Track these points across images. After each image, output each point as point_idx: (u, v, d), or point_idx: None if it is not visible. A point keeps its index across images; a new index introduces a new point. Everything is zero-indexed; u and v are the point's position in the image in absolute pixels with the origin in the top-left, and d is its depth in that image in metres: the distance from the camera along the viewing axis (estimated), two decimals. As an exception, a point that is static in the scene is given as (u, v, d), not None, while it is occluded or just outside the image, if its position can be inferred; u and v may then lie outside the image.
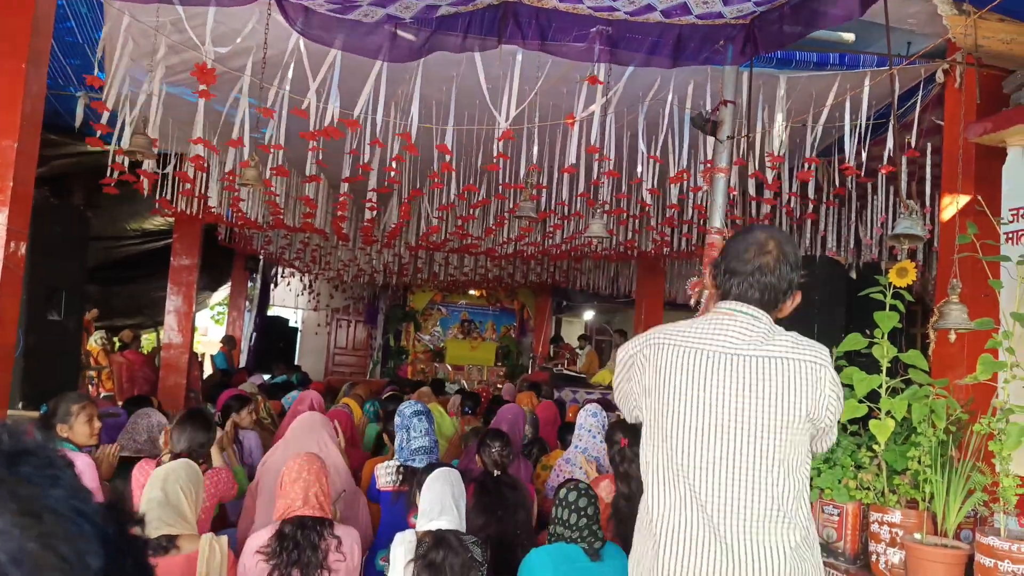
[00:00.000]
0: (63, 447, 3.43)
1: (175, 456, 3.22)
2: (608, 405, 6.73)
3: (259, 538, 2.83)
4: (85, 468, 3.27)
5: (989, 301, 2.87)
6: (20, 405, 4.35)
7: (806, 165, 4.62)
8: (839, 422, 2.76)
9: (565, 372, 10.60)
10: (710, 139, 4.13)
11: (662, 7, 3.43)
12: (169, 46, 4.08)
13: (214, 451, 3.69)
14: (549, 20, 3.51)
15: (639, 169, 4.80)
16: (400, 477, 3.73)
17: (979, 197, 3.08)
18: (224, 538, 2.76)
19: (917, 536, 2.31)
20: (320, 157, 4.50)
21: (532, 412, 5.77)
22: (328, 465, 3.16)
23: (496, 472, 3.68)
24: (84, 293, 6.30)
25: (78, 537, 0.49)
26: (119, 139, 4.48)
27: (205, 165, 5.27)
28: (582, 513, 2.96)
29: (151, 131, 4.23)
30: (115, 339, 10.24)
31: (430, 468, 3.22)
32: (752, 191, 4.97)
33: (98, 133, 4.19)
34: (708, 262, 3.65)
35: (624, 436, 3.70)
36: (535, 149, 4.73)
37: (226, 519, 3.99)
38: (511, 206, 6.11)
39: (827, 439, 1.99)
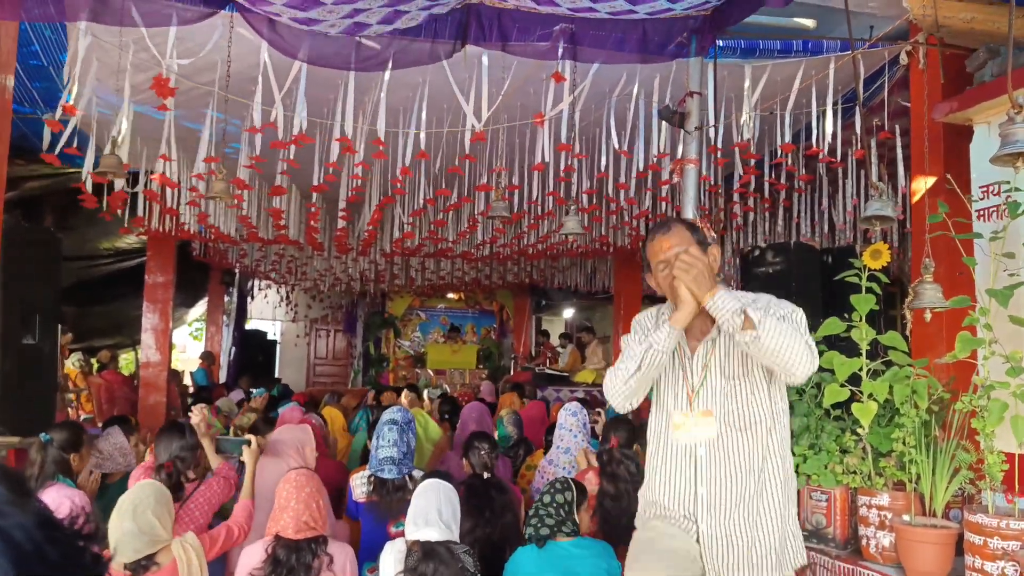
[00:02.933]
0: (62, 482, 3.40)
1: (159, 467, 3.27)
2: (589, 403, 6.73)
3: (253, 555, 2.81)
4: (80, 501, 3.24)
5: (964, 279, 2.90)
6: (-2, 430, 4.27)
7: (780, 152, 4.64)
8: (822, 407, 2.78)
9: (547, 371, 10.59)
10: (673, 132, 4.14)
11: (608, 9, 3.42)
12: (134, 64, 4.02)
13: (206, 443, 3.64)
14: (512, 21, 3.50)
15: (603, 162, 4.80)
16: (371, 487, 3.68)
17: (948, 176, 3.11)
18: (190, 534, 2.86)
19: (906, 518, 2.32)
20: (287, 168, 4.46)
21: (515, 413, 5.75)
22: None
23: (485, 474, 3.67)
24: (59, 315, 6.20)
25: None
26: (95, 163, 4.41)
27: (176, 181, 5.21)
28: (548, 503, 3.07)
29: (120, 150, 4.16)
30: (93, 360, 10.09)
31: (428, 476, 3.20)
32: (719, 180, 4.99)
33: (83, 158, 4.14)
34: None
35: (616, 436, 3.69)
36: (503, 150, 4.72)
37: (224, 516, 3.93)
38: (483, 208, 6.09)
39: None
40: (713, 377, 2.26)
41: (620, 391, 2.26)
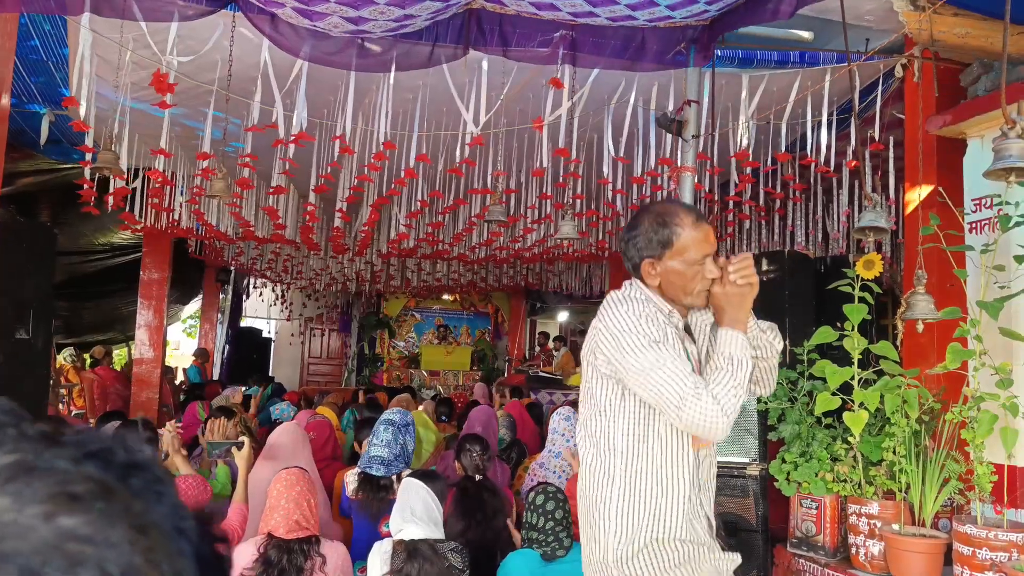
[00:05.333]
0: None
1: None
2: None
3: (244, 554, 2.81)
4: None
5: (955, 291, 2.93)
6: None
7: (775, 161, 4.68)
8: (813, 415, 2.80)
9: (541, 374, 10.61)
10: (670, 139, 4.17)
11: (607, 16, 3.45)
12: (134, 61, 4.03)
13: (179, 460, 3.64)
14: (513, 26, 3.52)
15: (605, 170, 4.83)
16: (359, 484, 3.69)
17: (941, 188, 3.14)
18: None
19: (895, 527, 2.35)
20: (288, 168, 4.47)
21: (509, 415, 5.76)
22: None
23: (477, 477, 3.68)
24: (53, 310, 6.20)
25: (177, 555, 0.49)
26: (94, 157, 4.42)
27: (170, 179, 5.22)
28: (548, 517, 3.00)
29: (118, 146, 4.18)
30: (86, 355, 10.07)
31: (412, 475, 3.20)
32: (714, 189, 5.02)
33: (87, 156, 4.15)
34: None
35: None
36: (501, 154, 4.74)
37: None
38: (480, 210, 6.12)
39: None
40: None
41: (730, 419, 1.79)
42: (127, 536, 0.45)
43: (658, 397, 1.79)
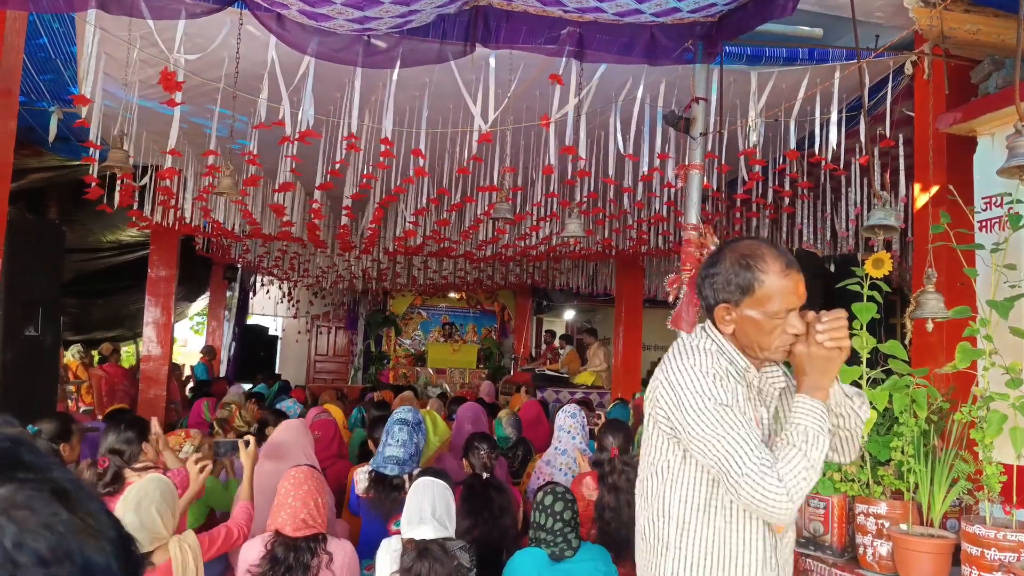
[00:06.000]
0: None
1: (92, 462, 3.31)
2: (587, 404, 6.75)
3: (252, 550, 2.81)
4: None
5: (965, 290, 2.91)
6: (-2, 423, 4.28)
7: (784, 159, 4.65)
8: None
9: (547, 372, 10.61)
10: (677, 137, 4.15)
11: (613, 12, 3.44)
12: (142, 59, 4.04)
13: (167, 454, 3.65)
14: (520, 23, 3.51)
15: (611, 168, 4.81)
16: (370, 483, 3.70)
17: (951, 186, 3.12)
18: (190, 532, 2.81)
19: (903, 527, 2.33)
20: (294, 166, 4.47)
21: (514, 414, 5.77)
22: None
23: (484, 475, 3.68)
24: (61, 307, 6.22)
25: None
26: (103, 155, 4.43)
27: (182, 176, 5.23)
28: (557, 517, 2.99)
29: (126, 144, 4.20)
30: (94, 352, 10.12)
31: (423, 473, 3.20)
32: (722, 187, 5.00)
33: (91, 151, 4.17)
34: (685, 259, 3.67)
35: (615, 443, 3.68)
36: (508, 151, 4.73)
37: (214, 525, 3.95)
38: (486, 208, 6.11)
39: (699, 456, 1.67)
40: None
41: (795, 504, 1.58)
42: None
43: (717, 467, 1.60)
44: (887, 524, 2.39)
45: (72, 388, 9.20)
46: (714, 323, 1.77)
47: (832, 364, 1.67)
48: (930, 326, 2.87)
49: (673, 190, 5.42)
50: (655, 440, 1.78)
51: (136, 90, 4.19)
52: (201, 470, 3.22)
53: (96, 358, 10.05)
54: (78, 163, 6.21)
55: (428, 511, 2.85)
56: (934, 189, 3.48)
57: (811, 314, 1.70)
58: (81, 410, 8.66)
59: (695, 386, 1.65)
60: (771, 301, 1.68)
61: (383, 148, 4.25)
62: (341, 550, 2.88)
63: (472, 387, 13.54)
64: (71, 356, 9.80)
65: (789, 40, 4.18)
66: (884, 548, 2.38)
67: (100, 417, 6.30)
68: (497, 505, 3.52)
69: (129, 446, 3.42)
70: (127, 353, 12.75)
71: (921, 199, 3.57)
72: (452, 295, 15.01)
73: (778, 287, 1.68)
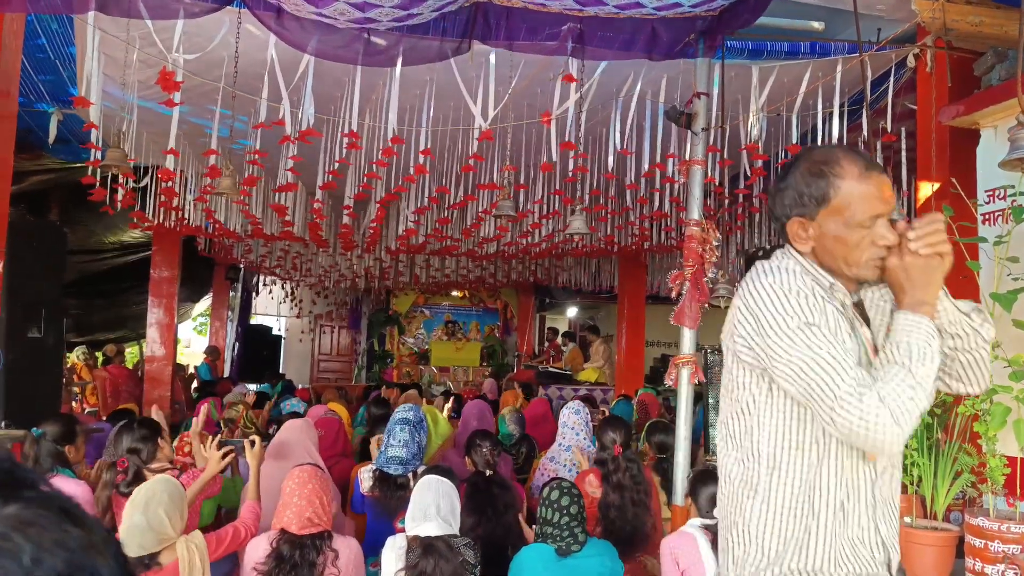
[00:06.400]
0: (62, 473, 3.45)
1: (111, 464, 3.33)
2: (590, 402, 6.75)
3: (258, 548, 2.82)
4: (83, 495, 3.33)
5: (968, 283, 2.90)
6: (3, 424, 4.28)
7: (786, 153, 4.64)
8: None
9: (550, 369, 10.61)
10: (679, 132, 4.14)
11: (614, 3, 3.43)
12: (141, 60, 4.04)
13: (197, 447, 3.66)
14: (520, 20, 3.51)
15: (610, 163, 4.80)
16: (374, 482, 3.70)
17: (954, 180, 3.11)
18: (197, 533, 2.82)
19: (907, 520, 2.33)
20: (294, 165, 4.47)
21: (517, 411, 5.76)
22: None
23: (488, 472, 3.68)
24: (64, 308, 6.23)
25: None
26: (103, 155, 4.44)
27: (180, 177, 5.24)
28: (563, 512, 2.99)
29: (125, 145, 4.20)
30: (98, 354, 10.14)
31: (428, 471, 3.20)
32: (725, 182, 4.99)
33: (93, 153, 4.18)
34: (687, 255, 3.66)
35: (618, 440, 3.67)
36: (509, 149, 4.73)
37: (221, 524, 3.96)
38: (488, 206, 6.11)
39: (783, 383, 1.49)
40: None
41: (903, 428, 1.38)
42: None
43: (808, 395, 1.42)
44: (891, 518, 2.38)
45: (77, 389, 9.22)
46: (790, 242, 1.59)
47: (934, 274, 1.47)
48: (933, 319, 2.86)
49: (675, 186, 5.40)
50: (737, 375, 1.59)
51: (135, 91, 4.19)
52: (225, 455, 3.31)
53: (100, 359, 10.07)
54: (78, 165, 6.23)
55: (433, 509, 2.85)
56: (937, 183, 3.47)
57: (902, 223, 1.51)
58: (86, 411, 8.68)
59: (777, 306, 1.47)
60: (851, 209, 1.49)
61: (386, 146, 4.25)
62: (347, 547, 2.88)
63: (475, 385, 13.55)
64: (75, 357, 9.83)
65: (790, 34, 4.17)
66: (888, 542, 2.38)
67: (104, 418, 6.31)
68: (501, 502, 3.52)
69: (146, 445, 3.46)
70: (131, 354, 12.78)
71: (924, 192, 3.56)
72: (455, 293, 15.02)
73: (858, 192, 1.49)
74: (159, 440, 3.55)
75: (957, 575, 2.23)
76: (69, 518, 0.58)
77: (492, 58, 3.86)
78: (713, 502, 2.78)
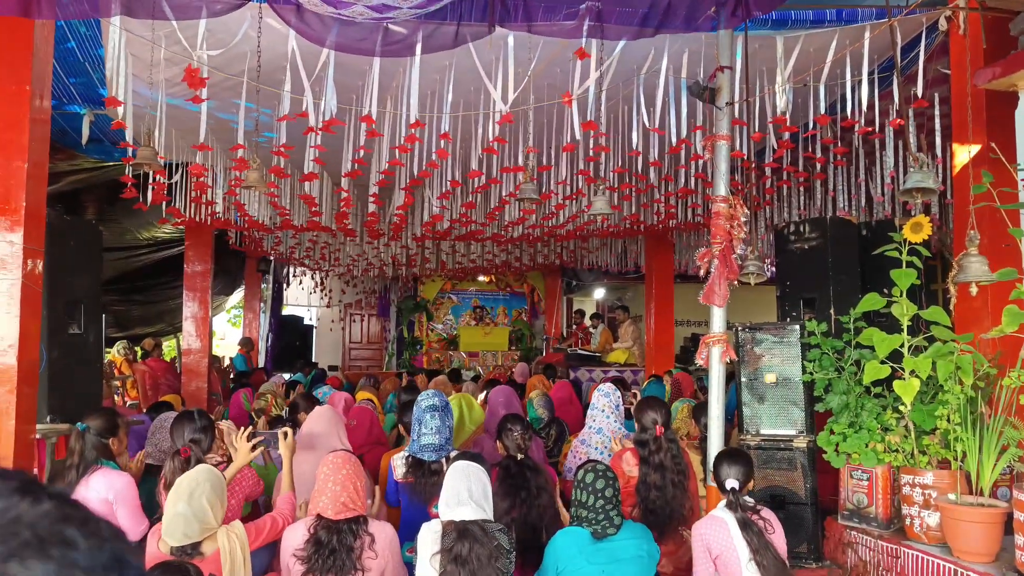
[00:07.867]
0: (106, 465, 3.53)
1: (175, 453, 3.37)
2: (622, 383, 6.72)
3: (295, 534, 2.86)
4: (127, 487, 3.45)
5: (1010, 251, 2.83)
6: (48, 419, 4.38)
7: (815, 124, 4.55)
8: (861, 384, 2.73)
9: (580, 352, 10.59)
10: (705, 107, 4.07)
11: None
12: (167, 58, 4.07)
13: (237, 446, 3.72)
14: (538, 1, 3.47)
15: (635, 140, 4.74)
16: (408, 468, 3.73)
17: (992, 144, 3.02)
18: (237, 523, 2.88)
19: (952, 496, 2.28)
20: (318, 155, 4.49)
21: (545, 394, 5.76)
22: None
23: (519, 456, 3.68)
24: (102, 305, 6.36)
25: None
26: (134, 153, 4.51)
27: (211, 171, 5.29)
28: (599, 495, 2.97)
29: (156, 143, 4.25)
30: (137, 348, 10.34)
31: (459, 457, 3.21)
32: (751, 156, 4.90)
33: (128, 151, 4.24)
34: (715, 231, 3.61)
35: (659, 422, 3.65)
36: (531, 131, 4.69)
37: (258, 515, 4.02)
38: (511, 189, 6.08)
39: None
40: None
41: None
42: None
43: None
44: (934, 494, 2.34)
45: (118, 383, 9.41)
46: None
47: None
48: (974, 290, 2.79)
49: (701, 162, 5.33)
50: None
51: (163, 89, 4.24)
52: (254, 448, 3.39)
53: (139, 353, 10.25)
54: (111, 164, 6.32)
55: (465, 493, 2.86)
56: (974, 148, 3.38)
57: None
58: (128, 404, 8.85)
59: None
60: None
61: (409, 132, 4.25)
62: (382, 531, 2.91)
63: (505, 369, 13.59)
64: (115, 352, 10.03)
65: (815, 1, 4.08)
66: (932, 519, 2.34)
67: (144, 411, 6.43)
68: (534, 485, 3.52)
69: (206, 435, 3.53)
70: (169, 347, 13.00)
71: (960, 159, 3.47)
72: (481, 278, 15.03)
73: None
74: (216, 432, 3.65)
75: (1006, 552, 2.19)
76: (92, 516, 0.60)
77: (511, 40, 3.82)
78: (737, 482, 2.75)
